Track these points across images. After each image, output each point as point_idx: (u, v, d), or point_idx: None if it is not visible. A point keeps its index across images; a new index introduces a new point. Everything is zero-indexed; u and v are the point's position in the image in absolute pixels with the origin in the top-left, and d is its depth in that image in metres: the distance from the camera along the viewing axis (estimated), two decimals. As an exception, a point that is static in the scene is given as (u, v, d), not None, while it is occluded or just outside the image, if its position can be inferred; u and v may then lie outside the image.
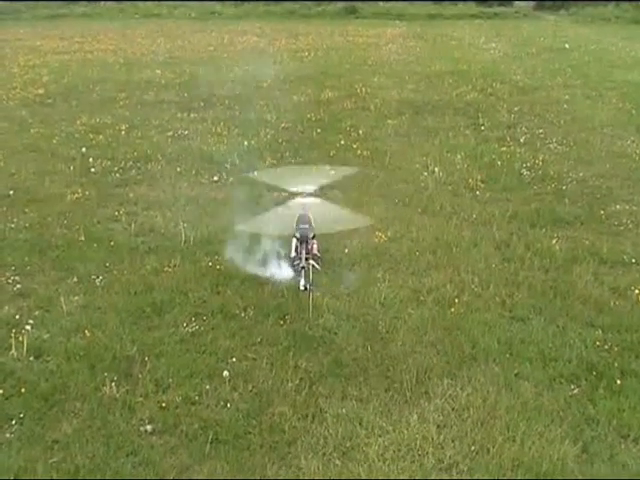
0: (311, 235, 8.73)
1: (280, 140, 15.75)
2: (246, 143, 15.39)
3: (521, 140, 15.86)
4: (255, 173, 12.64)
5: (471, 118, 17.85)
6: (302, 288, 8.43)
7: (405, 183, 12.87)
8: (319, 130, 16.57)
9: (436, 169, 13.65)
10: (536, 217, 11.44)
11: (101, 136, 16.25)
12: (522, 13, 48.85)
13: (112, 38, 34.59)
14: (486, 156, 14.62)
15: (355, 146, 15.18)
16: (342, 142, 15.50)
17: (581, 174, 13.68)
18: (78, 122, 17.59)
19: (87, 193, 12.50)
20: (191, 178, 13.40)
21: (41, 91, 21.41)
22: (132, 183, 13.24)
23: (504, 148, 15.21)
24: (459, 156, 14.57)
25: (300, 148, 15.20)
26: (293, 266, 8.92)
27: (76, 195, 12.34)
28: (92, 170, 13.86)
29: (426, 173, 13.52)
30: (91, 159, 14.40)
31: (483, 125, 17.11)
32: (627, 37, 36.70)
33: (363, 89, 21.03)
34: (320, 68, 25.14)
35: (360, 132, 16.32)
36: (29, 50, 30.61)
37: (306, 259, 8.52)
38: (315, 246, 8.89)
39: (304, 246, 8.61)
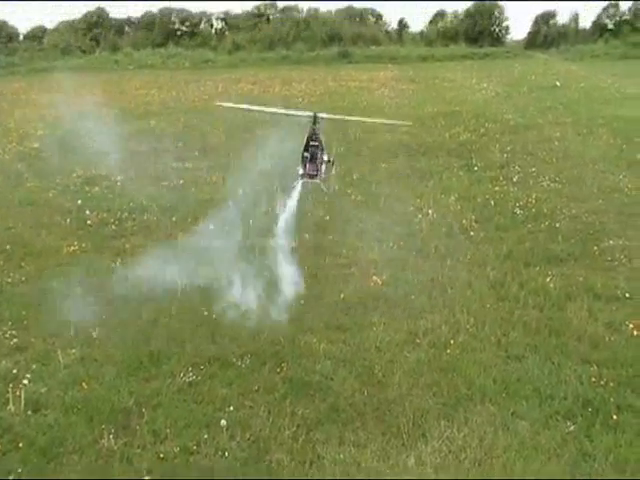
0: (319, 153, 8.79)
1: (275, 187, 15.78)
2: (241, 191, 15.42)
3: (514, 179, 15.97)
4: (250, 222, 12.75)
5: (464, 159, 17.97)
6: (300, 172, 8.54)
7: (400, 226, 12.91)
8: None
9: (430, 211, 13.74)
10: (530, 255, 11.52)
11: (97, 188, 16.36)
12: (513, 52, 49.42)
13: (107, 90, 34.88)
14: (479, 196, 14.72)
15: (350, 191, 15.28)
16: (337, 187, 15.54)
17: (574, 211, 13.78)
18: (74, 175, 17.69)
19: (84, 245, 12.55)
20: (187, 227, 13.44)
21: (36, 145, 21.58)
22: (128, 234, 13.30)
23: (497, 188, 15.32)
24: (453, 197, 14.67)
25: (295, 194, 15.25)
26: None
27: (72, 247, 12.39)
28: (88, 222, 13.93)
29: (420, 215, 13.59)
30: (87, 211, 14.48)
31: (476, 165, 17.22)
32: (616, 73, 37.17)
33: (357, 133, 21.17)
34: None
35: (354, 176, 16.40)
36: (25, 104, 30.92)
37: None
38: (324, 167, 8.96)
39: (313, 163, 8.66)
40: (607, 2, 54.61)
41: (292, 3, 54.20)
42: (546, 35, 53.57)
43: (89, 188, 16.38)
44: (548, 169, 16.80)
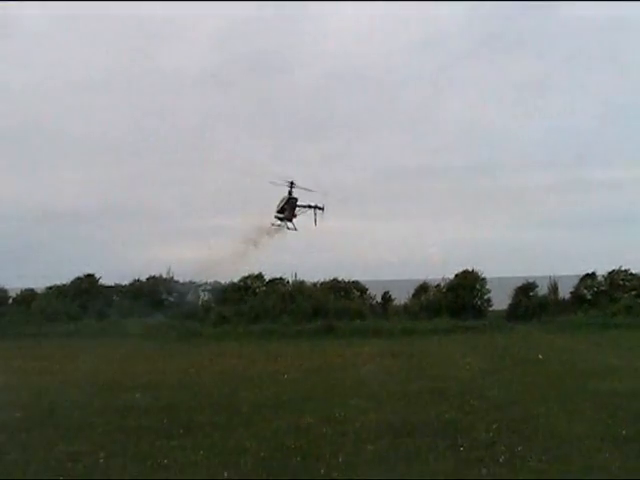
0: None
1: (259, 469, 15.59)
2: (226, 474, 15.21)
3: (500, 460, 15.73)
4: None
5: (450, 438, 17.72)
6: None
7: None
8: (299, 458, 16.35)
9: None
10: None
11: (80, 464, 16.07)
12: (495, 324, 50.43)
13: (92, 360, 35.18)
14: (467, 480, 14.59)
15: (336, 475, 15.04)
16: (322, 471, 15.33)
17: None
18: (55, 449, 17.38)
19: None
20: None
21: (19, 414, 21.49)
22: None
23: (484, 469, 15.10)
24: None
25: (276, 480, 15.07)
26: None
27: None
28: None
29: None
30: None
31: (462, 446, 17.00)
32: (598, 343, 38.25)
33: (342, 412, 21.10)
34: (299, 391, 25.36)
35: (340, 459, 16.15)
36: (6, 369, 31.39)
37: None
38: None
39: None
40: (584, 273, 56.40)
41: (277, 275, 55.81)
42: (527, 306, 54.94)
43: (71, 464, 16.02)
44: (534, 448, 16.66)
